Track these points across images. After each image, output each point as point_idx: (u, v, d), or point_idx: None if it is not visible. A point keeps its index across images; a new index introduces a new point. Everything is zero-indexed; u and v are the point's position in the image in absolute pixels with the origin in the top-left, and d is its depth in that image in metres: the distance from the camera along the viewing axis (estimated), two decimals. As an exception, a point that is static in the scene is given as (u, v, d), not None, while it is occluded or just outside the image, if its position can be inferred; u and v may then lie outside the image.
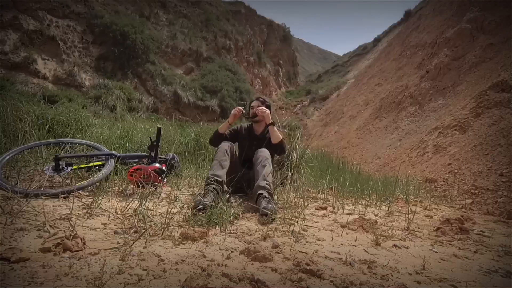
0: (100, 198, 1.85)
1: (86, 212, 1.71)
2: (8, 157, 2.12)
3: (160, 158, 2.61)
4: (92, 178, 2.11)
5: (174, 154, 2.82)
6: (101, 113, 10.68)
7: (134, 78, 16.91)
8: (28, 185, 1.98)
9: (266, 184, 2.19)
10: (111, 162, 2.34)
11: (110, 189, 2.20)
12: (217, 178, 2.19)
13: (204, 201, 1.93)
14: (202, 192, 2.18)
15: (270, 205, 1.99)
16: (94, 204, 1.78)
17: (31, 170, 2.26)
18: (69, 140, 2.66)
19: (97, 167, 2.32)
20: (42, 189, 1.91)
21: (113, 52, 16.17)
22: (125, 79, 16.43)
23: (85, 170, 2.31)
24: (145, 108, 15.63)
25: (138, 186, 2.17)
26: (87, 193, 2.07)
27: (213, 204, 1.93)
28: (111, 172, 2.27)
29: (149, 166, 2.29)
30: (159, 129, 2.50)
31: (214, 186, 2.12)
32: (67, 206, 1.76)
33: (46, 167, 2.19)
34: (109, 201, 1.96)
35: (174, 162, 2.76)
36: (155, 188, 2.24)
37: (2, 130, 2.94)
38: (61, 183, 2.16)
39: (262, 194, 2.13)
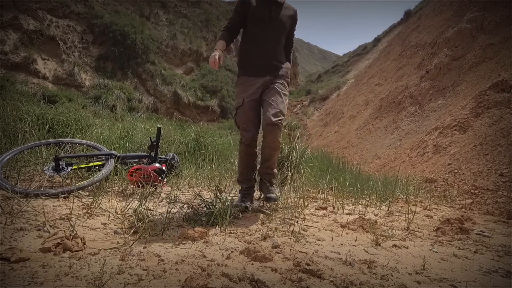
0: (100, 198, 1.85)
1: (86, 212, 1.71)
2: (8, 157, 2.12)
3: (160, 158, 2.61)
4: (92, 178, 2.11)
5: (174, 154, 2.82)
6: (101, 113, 10.68)
7: (134, 78, 16.91)
8: (28, 185, 1.98)
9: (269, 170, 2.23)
10: (111, 162, 2.34)
11: (110, 189, 2.20)
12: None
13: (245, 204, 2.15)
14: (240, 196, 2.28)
15: (273, 194, 2.15)
16: (94, 204, 1.78)
17: (31, 170, 2.26)
18: (69, 140, 2.66)
19: (97, 167, 2.32)
20: (42, 189, 1.91)
21: (113, 52, 16.17)
22: (125, 79, 16.43)
23: (85, 170, 2.31)
24: (145, 108, 15.64)
25: (138, 186, 2.17)
26: (87, 193, 2.07)
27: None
28: (111, 172, 2.28)
29: (149, 166, 2.30)
30: (159, 129, 2.50)
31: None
32: (67, 206, 1.76)
33: (46, 167, 2.19)
34: (109, 201, 1.96)
35: (174, 162, 2.76)
36: (155, 188, 2.24)
37: (2, 130, 2.94)
38: (61, 183, 2.16)
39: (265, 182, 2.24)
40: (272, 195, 2.13)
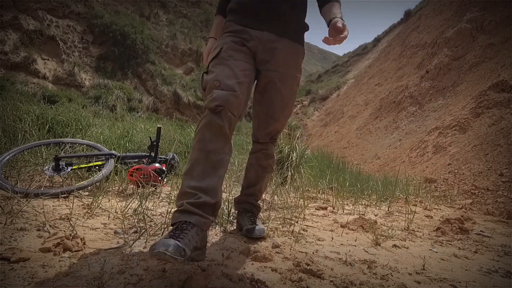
0: (100, 198, 1.85)
1: (86, 212, 1.71)
2: (8, 157, 2.12)
3: (160, 158, 2.61)
4: (92, 178, 2.11)
5: (174, 154, 2.82)
6: (101, 113, 10.69)
7: (134, 78, 16.92)
8: (28, 185, 1.98)
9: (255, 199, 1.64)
10: (111, 162, 2.34)
11: (110, 189, 2.20)
12: (205, 199, 1.06)
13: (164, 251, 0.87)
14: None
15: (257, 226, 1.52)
16: (94, 204, 1.78)
17: (31, 170, 2.26)
18: (69, 140, 2.66)
19: (97, 167, 2.32)
20: (42, 189, 1.91)
21: (113, 52, 16.18)
22: (125, 79, 16.44)
23: (85, 170, 2.31)
24: (145, 108, 15.64)
25: (138, 186, 2.17)
26: (87, 193, 2.07)
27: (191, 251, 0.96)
28: (111, 172, 2.28)
29: (149, 166, 2.30)
30: (159, 129, 2.51)
31: (197, 217, 1.05)
32: (67, 206, 1.76)
33: (46, 167, 2.19)
34: (109, 201, 1.96)
35: (174, 162, 2.76)
36: (155, 188, 2.24)
37: (2, 130, 2.94)
38: (61, 183, 2.16)
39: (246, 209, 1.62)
40: (257, 226, 1.50)
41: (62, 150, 2.59)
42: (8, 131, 2.96)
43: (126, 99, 14.95)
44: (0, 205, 1.54)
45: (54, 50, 14.35)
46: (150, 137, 2.54)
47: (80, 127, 3.72)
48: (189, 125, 5.41)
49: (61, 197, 1.87)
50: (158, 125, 2.57)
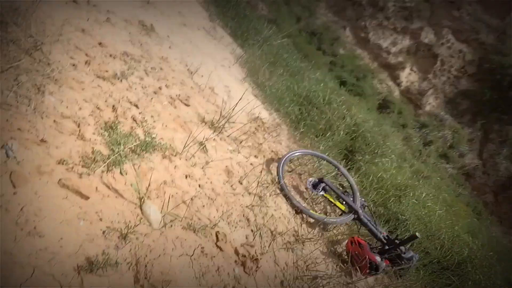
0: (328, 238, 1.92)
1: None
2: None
3: (401, 251, 2.12)
4: (324, 216, 2.17)
5: (416, 255, 2.21)
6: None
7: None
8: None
9: None
10: (350, 217, 2.25)
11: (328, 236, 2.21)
12: None
13: None
14: None
15: None
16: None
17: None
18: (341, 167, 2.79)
19: (338, 209, 2.35)
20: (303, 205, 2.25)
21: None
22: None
23: (331, 204, 2.40)
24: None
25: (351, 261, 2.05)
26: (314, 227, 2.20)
27: None
28: (341, 224, 2.23)
29: (372, 252, 2.01)
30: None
31: None
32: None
33: (310, 179, 2.45)
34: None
35: (409, 263, 2.19)
36: (357, 271, 2.00)
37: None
38: (310, 201, 2.42)
39: None
40: None
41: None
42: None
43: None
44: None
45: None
46: (416, 234, 2.11)
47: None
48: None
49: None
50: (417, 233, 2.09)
